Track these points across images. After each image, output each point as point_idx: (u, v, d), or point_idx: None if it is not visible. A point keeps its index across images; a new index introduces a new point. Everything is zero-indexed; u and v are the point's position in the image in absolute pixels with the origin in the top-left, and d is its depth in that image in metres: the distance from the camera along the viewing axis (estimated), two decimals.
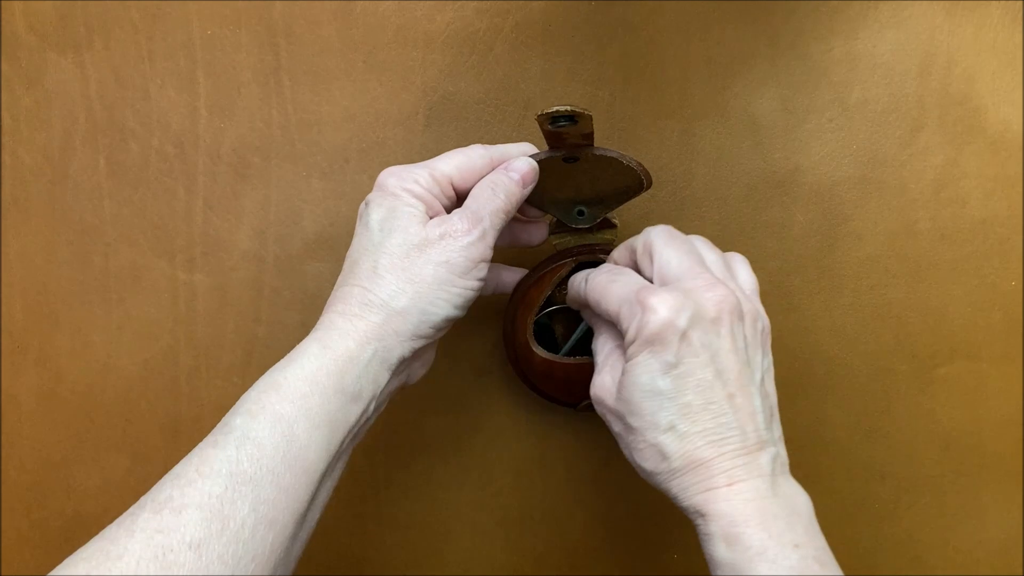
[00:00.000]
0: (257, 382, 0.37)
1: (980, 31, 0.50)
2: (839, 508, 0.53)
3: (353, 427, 0.38)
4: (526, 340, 0.47)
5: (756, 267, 0.42)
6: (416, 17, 0.50)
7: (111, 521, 0.34)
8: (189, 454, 0.35)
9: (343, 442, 0.38)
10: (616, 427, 0.39)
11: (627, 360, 0.37)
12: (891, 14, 0.50)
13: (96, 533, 0.33)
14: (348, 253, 0.41)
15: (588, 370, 0.42)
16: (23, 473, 0.53)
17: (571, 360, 0.47)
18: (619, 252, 0.43)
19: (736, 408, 0.36)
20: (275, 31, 0.51)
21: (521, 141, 0.48)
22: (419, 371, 0.44)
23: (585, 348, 0.45)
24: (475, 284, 0.40)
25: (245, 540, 0.33)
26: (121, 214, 0.52)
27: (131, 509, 0.34)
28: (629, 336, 0.37)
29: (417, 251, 0.39)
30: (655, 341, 0.36)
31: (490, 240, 0.40)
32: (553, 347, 0.48)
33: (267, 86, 0.51)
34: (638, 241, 0.41)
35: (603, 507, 0.54)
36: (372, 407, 0.39)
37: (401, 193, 0.40)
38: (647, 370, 0.36)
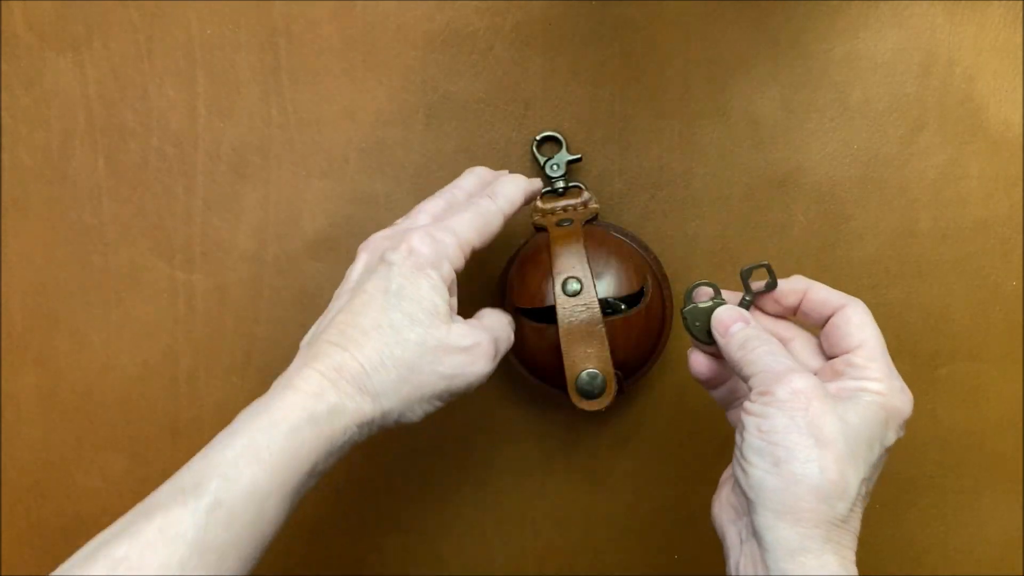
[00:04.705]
0: (236, 431, 0.35)
1: (981, 31, 0.50)
2: None
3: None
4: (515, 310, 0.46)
5: None
6: (416, 16, 0.50)
7: (110, 522, 0.34)
8: (151, 501, 0.34)
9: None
10: None
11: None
12: (892, 14, 0.50)
13: (95, 533, 0.33)
14: (350, 301, 0.39)
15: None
16: (23, 473, 0.53)
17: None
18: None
19: None
20: (275, 31, 0.51)
21: (521, 140, 0.48)
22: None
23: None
24: (452, 398, 0.40)
25: None
26: (120, 214, 0.52)
27: (87, 550, 0.33)
28: None
29: (431, 354, 0.38)
30: None
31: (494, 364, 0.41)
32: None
33: (267, 85, 0.51)
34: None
35: (603, 507, 0.54)
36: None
37: (432, 274, 0.39)
38: None
